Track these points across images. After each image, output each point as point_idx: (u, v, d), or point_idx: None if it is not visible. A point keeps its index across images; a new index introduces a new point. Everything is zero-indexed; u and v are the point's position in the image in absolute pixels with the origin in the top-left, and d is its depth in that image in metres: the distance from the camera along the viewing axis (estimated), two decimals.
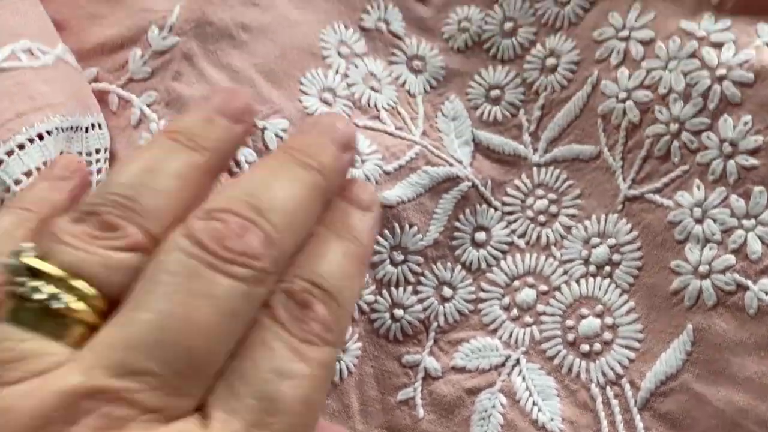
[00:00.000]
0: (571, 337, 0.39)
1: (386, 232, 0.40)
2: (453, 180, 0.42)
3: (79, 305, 0.20)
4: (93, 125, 0.39)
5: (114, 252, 0.21)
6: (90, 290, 0.20)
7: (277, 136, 0.39)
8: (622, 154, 0.40)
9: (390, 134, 0.42)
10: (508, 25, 0.45)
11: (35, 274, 0.20)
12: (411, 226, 0.41)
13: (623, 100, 0.40)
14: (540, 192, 0.42)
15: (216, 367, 0.20)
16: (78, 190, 0.31)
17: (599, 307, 0.39)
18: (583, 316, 0.39)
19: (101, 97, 0.41)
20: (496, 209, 0.42)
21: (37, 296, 0.20)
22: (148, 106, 0.39)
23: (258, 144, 0.39)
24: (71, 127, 0.36)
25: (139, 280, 0.20)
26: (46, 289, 0.20)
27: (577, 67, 0.43)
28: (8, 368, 0.19)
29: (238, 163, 0.38)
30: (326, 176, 0.24)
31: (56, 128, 0.35)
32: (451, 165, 0.42)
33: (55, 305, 0.20)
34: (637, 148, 0.40)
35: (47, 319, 0.19)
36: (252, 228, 0.21)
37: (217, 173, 0.24)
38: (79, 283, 0.20)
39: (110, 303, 0.21)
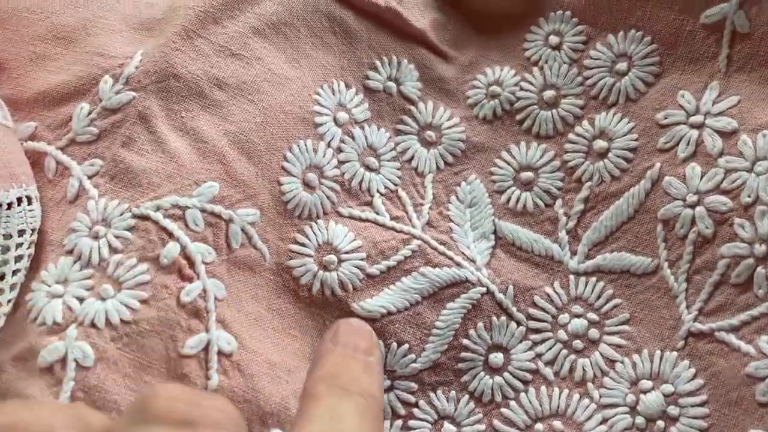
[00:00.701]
0: None
1: None
2: (461, 285, 0.33)
3: None
4: (19, 199, 0.30)
5: None
6: None
7: (243, 231, 0.31)
8: (688, 274, 0.32)
9: (381, 226, 0.34)
10: (549, 94, 0.36)
11: None
12: (400, 344, 0.32)
13: (692, 205, 0.32)
14: (577, 308, 0.33)
15: None
16: None
17: None
18: None
19: (37, 159, 0.33)
20: (518, 324, 0.33)
21: None
22: (90, 177, 0.31)
23: (219, 240, 0.31)
24: None
25: None
26: None
27: (634, 155, 0.34)
28: None
29: (192, 264, 0.30)
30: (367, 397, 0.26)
31: None
32: (459, 266, 0.33)
33: None
34: (707, 269, 0.31)
35: None
36: None
37: None
38: None
39: None
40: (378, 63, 0.36)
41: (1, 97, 0.33)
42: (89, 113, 0.32)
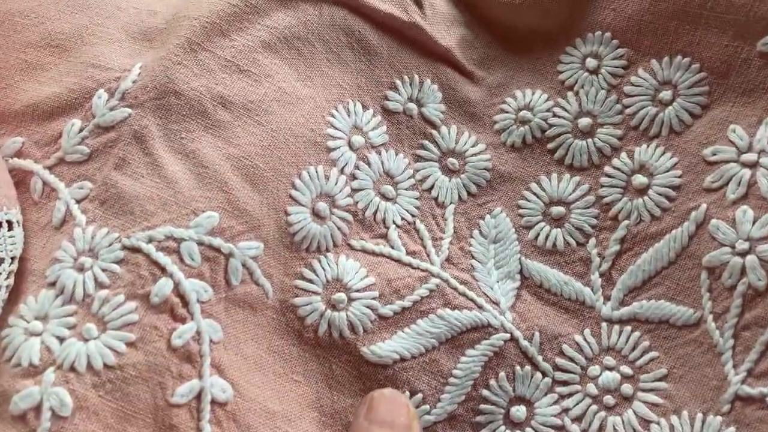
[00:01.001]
0: None
1: None
2: (483, 330, 0.30)
3: None
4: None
5: None
6: None
7: (244, 266, 0.28)
8: (735, 329, 0.28)
9: (397, 261, 0.31)
10: (585, 122, 0.33)
11: None
12: (414, 393, 0.29)
13: (742, 253, 0.29)
14: (609, 360, 0.30)
15: None
16: None
17: None
18: None
19: (23, 178, 0.30)
20: (544, 374, 0.30)
21: None
22: (78, 201, 0.28)
23: (217, 276, 0.28)
24: None
25: None
26: None
27: (677, 194, 0.31)
28: None
29: (186, 302, 0.27)
30: None
31: None
32: (481, 308, 0.30)
33: None
34: (758, 325, 0.28)
35: None
36: None
37: None
38: None
39: None
40: (398, 82, 0.33)
41: None
42: (81, 130, 0.29)
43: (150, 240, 0.27)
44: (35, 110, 0.30)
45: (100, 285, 0.27)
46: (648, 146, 0.32)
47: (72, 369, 0.25)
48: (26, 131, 0.30)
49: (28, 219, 0.29)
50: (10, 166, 0.30)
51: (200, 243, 0.27)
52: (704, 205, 0.30)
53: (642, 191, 0.32)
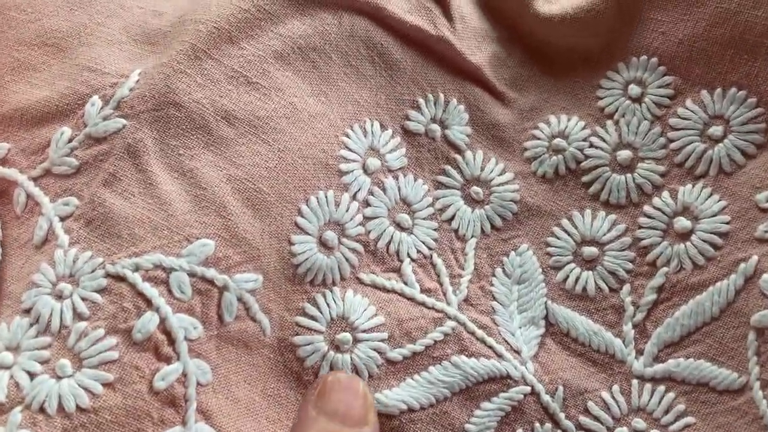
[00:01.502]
0: None
1: None
2: (501, 381, 0.27)
3: None
4: None
5: None
6: None
7: (240, 300, 0.25)
8: None
9: (410, 299, 0.28)
10: (624, 155, 0.30)
11: None
12: None
13: None
14: (638, 422, 0.27)
15: None
16: None
17: None
18: None
19: (6, 188, 0.27)
20: None
21: None
22: (62, 219, 0.26)
23: (209, 311, 0.25)
24: None
25: None
26: None
27: (724, 242, 0.28)
28: None
29: (172, 340, 0.24)
30: None
31: None
32: (500, 357, 0.28)
33: None
34: None
35: None
36: None
37: None
38: None
39: None
40: (421, 101, 0.30)
41: None
42: (70, 140, 0.27)
43: (137, 268, 0.24)
44: (24, 114, 0.28)
45: (78, 316, 0.24)
46: (693, 186, 0.29)
47: (41, 410, 0.23)
48: (13, 137, 0.28)
49: (8, 235, 0.27)
50: None
51: (192, 274, 0.25)
52: (755, 257, 0.27)
53: (684, 236, 0.29)
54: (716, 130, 0.29)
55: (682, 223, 0.29)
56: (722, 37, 0.29)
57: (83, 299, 0.24)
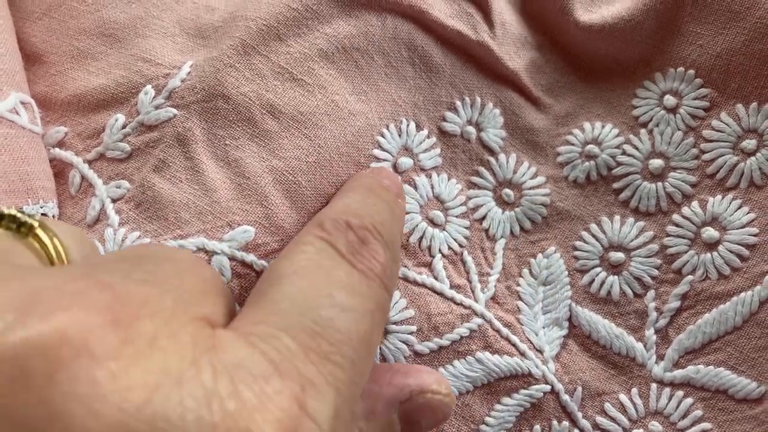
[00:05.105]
0: None
1: None
2: (522, 378, 0.28)
3: None
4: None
5: None
6: None
7: None
8: None
9: (439, 294, 0.29)
10: (656, 163, 0.30)
11: None
12: None
13: None
14: (655, 425, 0.28)
15: None
16: None
17: None
18: None
19: (62, 169, 0.29)
20: None
21: None
22: (114, 201, 0.27)
23: (246, 294, 0.26)
24: None
25: None
26: None
27: (751, 254, 0.28)
28: None
29: None
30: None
31: None
32: (523, 355, 0.28)
33: None
34: None
35: None
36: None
37: None
38: None
39: None
40: (458, 103, 0.31)
41: (35, 95, 0.30)
42: (123, 126, 0.28)
43: None
44: (81, 101, 0.29)
45: None
46: (723, 197, 0.29)
47: None
48: (70, 121, 0.29)
49: (63, 213, 0.28)
50: (51, 156, 0.29)
51: (232, 258, 0.26)
52: None
53: (711, 246, 0.29)
54: (749, 143, 0.30)
55: (710, 233, 0.29)
56: (761, 53, 0.29)
57: None
